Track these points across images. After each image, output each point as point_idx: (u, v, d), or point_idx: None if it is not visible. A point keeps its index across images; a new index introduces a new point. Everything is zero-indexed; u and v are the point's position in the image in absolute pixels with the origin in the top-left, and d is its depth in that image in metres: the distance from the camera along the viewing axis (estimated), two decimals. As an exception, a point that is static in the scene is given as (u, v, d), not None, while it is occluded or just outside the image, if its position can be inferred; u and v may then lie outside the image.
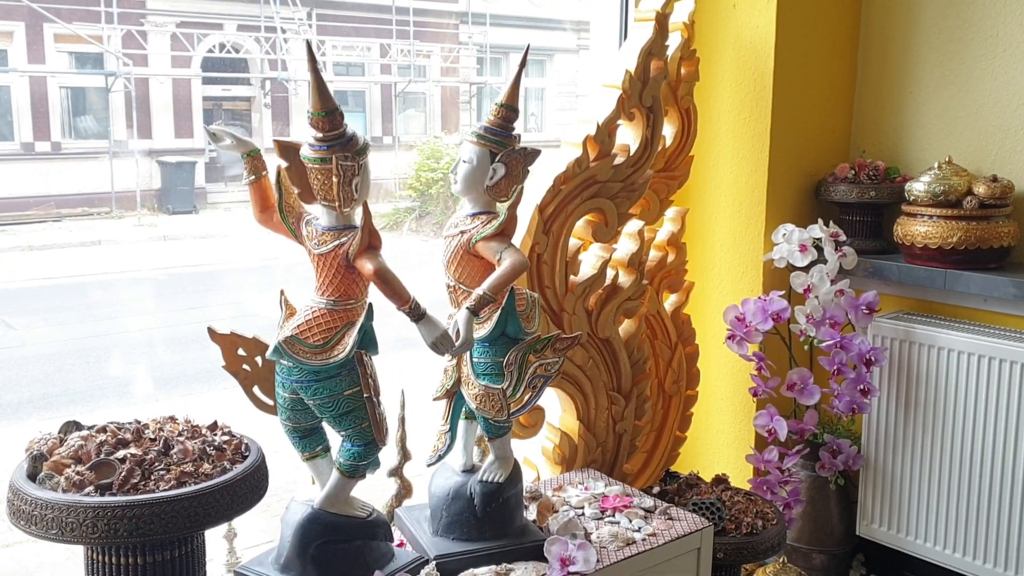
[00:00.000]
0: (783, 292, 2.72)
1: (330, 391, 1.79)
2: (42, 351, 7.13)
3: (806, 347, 2.72)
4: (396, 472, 2.28)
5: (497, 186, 1.97)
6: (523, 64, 2.01)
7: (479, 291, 1.88)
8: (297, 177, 1.79)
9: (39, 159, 13.31)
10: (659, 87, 2.47)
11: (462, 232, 1.98)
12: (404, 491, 2.29)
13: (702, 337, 2.91)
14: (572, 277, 2.42)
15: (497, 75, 16.36)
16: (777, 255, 2.76)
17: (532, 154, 1.99)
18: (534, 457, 2.57)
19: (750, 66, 2.81)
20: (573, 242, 2.42)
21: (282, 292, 1.90)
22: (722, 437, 3.00)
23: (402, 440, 2.26)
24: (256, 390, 1.93)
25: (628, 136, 2.48)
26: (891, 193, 2.81)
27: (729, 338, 2.72)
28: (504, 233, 1.95)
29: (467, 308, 1.88)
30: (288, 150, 1.79)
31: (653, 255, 2.70)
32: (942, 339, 2.61)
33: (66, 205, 12.15)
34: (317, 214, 1.84)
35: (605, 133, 2.37)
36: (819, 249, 2.73)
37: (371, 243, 1.78)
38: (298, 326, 1.80)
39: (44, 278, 10.20)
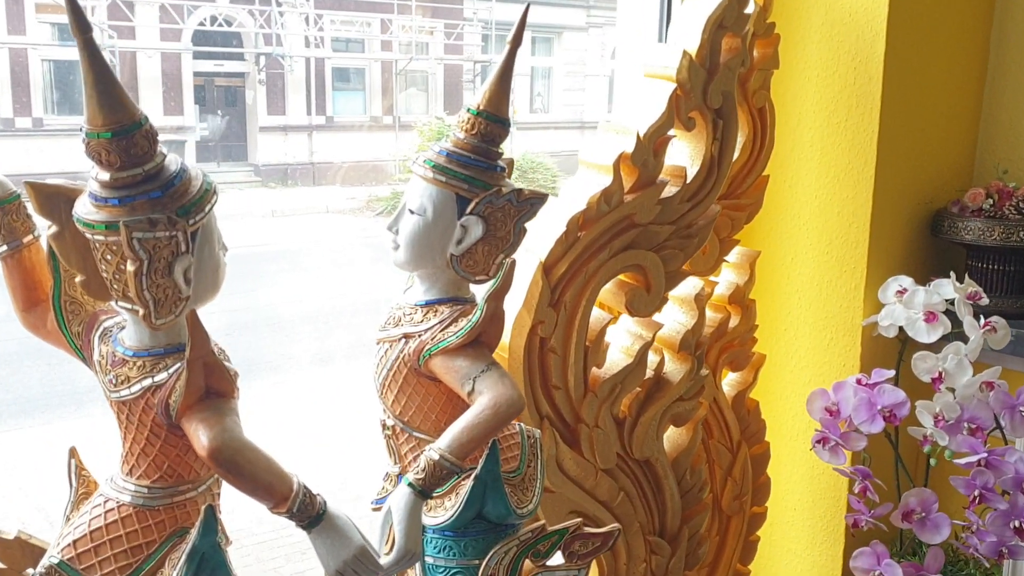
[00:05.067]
0: (892, 374, 1.84)
1: (136, 669, 0.91)
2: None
3: (933, 460, 1.83)
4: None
5: (470, 256, 1.09)
6: (516, 42, 1.12)
7: (432, 454, 1.00)
8: (77, 253, 0.90)
9: (19, 135, 12.54)
10: (733, 79, 1.56)
11: (406, 337, 1.10)
12: None
13: (770, 430, 2.02)
14: (595, 370, 1.53)
15: (502, 53, 15.46)
16: (886, 320, 1.87)
17: (533, 202, 1.10)
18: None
19: (849, 47, 1.90)
20: (597, 315, 1.53)
21: (72, 453, 1.02)
22: (803, 572, 2.11)
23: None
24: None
25: (682, 153, 1.58)
26: (1052, 234, 1.90)
27: (818, 442, 1.83)
28: (480, 342, 1.06)
29: (409, 485, 1.00)
30: (54, 202, 0.90)
31: (709, 318, 1.81)
32: None
33: (49, 185, 11.35)
34: (124, 318, 0.95)
35: (649, 150, 1.47)
36: (949, 315, 1.84)
37: (211, 387, 0.89)
38: (75, 542, 0.91)
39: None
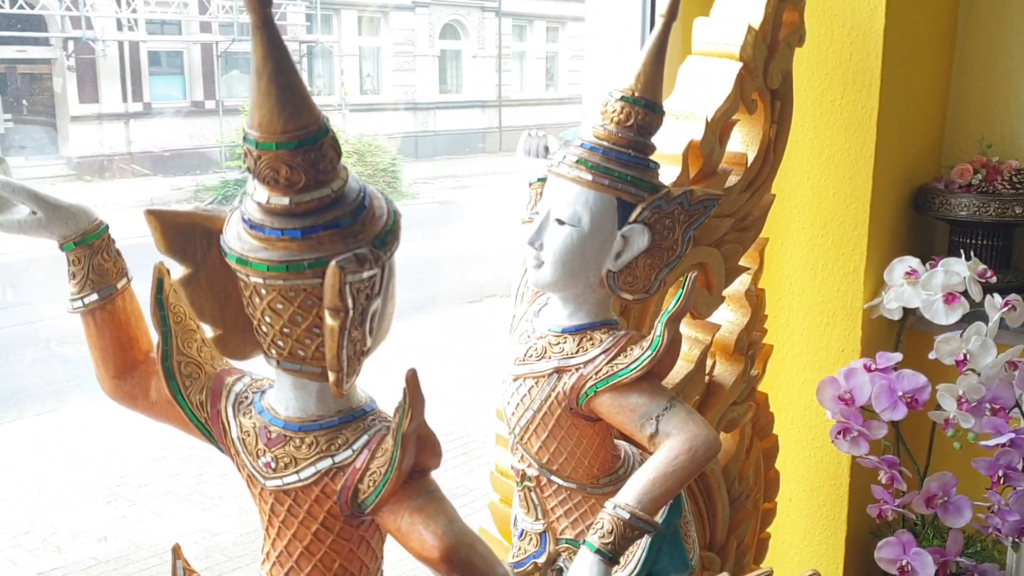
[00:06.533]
0: (900, 357, 1.78)
1: None
2: None
3: (956, 444, 1.79)
4: None
5: (629, 271, 0.91)
6: (671, 15, 0.94)
7: (621, 512, 0.82)
8: (213, 302, 0.67)
9: None
10: (791, 56, 1.44)
11: (558, 371, 0.91)
12: None
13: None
14: (658, 382, 1.38)
15: (328, 33, 15.00)
16: (894, 303, 1.82)
17: (707, 204, 0.94)
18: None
19: (844, 21, 1.81)
20: (658, 322, 1.38)
21: (176, 552, 0.78)
22: (803, 565, 2.05)
23: None
24: None
25: (734, 139, 1.45)
26: (1044, 208, 1.89)
27: (839, 433, 1.76)
28: (653, 373, 0.89)
29: (597, 552, 0.82)
30: (188, 237, 0.66)
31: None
32: None
33: None
34: (271, 379, 0.73)
35: (716, 137, 1.33)
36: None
37: (418, 464, 0.69)
38: None
39: None
